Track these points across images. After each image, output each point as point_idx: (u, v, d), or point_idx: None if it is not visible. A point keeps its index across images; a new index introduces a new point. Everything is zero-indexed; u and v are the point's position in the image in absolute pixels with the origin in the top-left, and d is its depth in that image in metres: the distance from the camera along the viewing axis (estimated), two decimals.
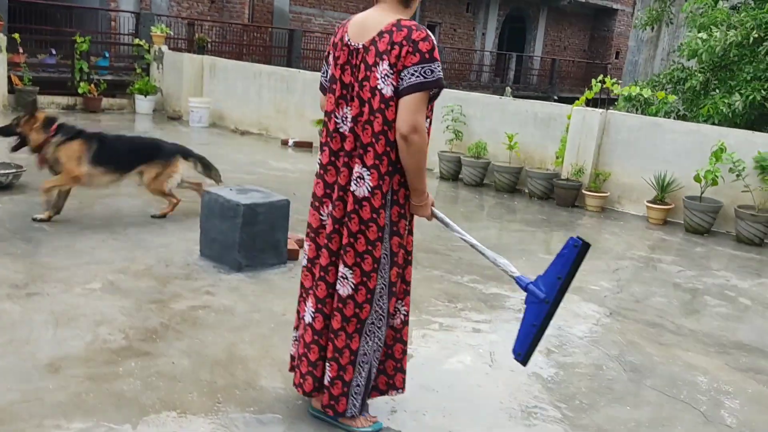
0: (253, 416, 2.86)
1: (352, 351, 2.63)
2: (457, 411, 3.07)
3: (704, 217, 6.86)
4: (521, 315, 4.21)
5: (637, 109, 9.66)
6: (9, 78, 10.76)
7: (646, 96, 8.12)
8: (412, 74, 2.44)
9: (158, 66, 12.46)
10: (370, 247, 2.55)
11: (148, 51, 12.49)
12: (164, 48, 12.50)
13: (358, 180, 2.53)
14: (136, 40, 12.69)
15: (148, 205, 6.05)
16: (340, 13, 20.56)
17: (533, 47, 28.29)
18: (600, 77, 7.95)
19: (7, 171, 6.12)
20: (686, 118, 9.18)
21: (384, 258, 2.59)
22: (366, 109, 2.53)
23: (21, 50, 11.16)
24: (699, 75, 9.32)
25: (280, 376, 3.19)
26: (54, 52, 12.12)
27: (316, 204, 2.70)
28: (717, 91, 9.06)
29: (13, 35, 10.91)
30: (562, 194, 7.64)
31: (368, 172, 2.52)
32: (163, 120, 11.62)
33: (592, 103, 8.28)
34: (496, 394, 3.26)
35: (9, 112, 10.56)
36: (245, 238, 4.51)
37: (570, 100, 9.32)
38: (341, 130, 2.61)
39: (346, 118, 2.59)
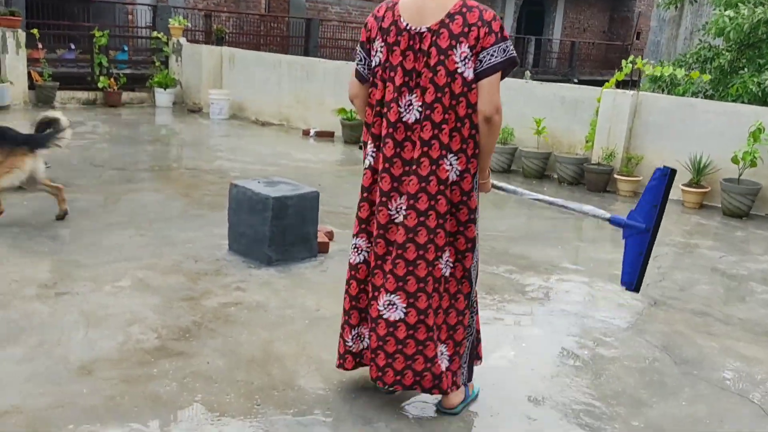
0: (294, 418, 2.74)
1: (464, 326, 2.74)
2: (504, 410, 2.94)
3: (743, 200, 6.63)
4: (564, 306, 4.12)
5: (663, 90, 9.39)
6: (29, 74, 10.73)
7: (679, 76, 7.86)
8: (492, 55, 2.46)
9: (177, 58, 12.38)
10: (461, 228, 2.60)
11: (167, 43, 12.41)
12: (182, 40, 12.41)
13: (444, 166, 2.51)
14: (154, 33, 12.61)
15: (172, 199, 5.97)
16: (356, 0, 20.33)
17: (552, 30, 27.85)
18: (630, 58, 7.72)
19: None
20: (713, 98, 8.91)
21: (477, 238, 2.67)
22: (444, 95, 2.46)
23: (40, 46, 11.14)
24: (726, 53, 9.03)
25: (319, 376, 3.08)
26: (73, 46, 12.09)
27: (383, 199, 2.57)
28: (745, 69, 8.77)
29: (32, 31, 10.87)
30: (593, 179, 7.44)
31: (455, 157, 2.53)
32: (183, 113, 11.55)
33: (616, 85, 8.04)
34: (542, 391, 3.12)
35: (30, 108, 10.55)
36: (275, 231, 4.40)
37: (590, 83, 9.11)
38: (405, 119, 2.50)
39: (411, 105, 2.48)
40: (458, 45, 2.44)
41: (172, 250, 4.63)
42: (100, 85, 11.46)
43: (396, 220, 2.57)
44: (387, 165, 2.53)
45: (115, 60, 12.18)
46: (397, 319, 2.61)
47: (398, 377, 2.68)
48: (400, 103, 2.49)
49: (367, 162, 2.63)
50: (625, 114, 7.40)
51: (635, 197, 7.29)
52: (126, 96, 11.85)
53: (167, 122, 10.71)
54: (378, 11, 2.55)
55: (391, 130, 2.51)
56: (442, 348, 2.70)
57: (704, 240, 5.94)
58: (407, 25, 2.45)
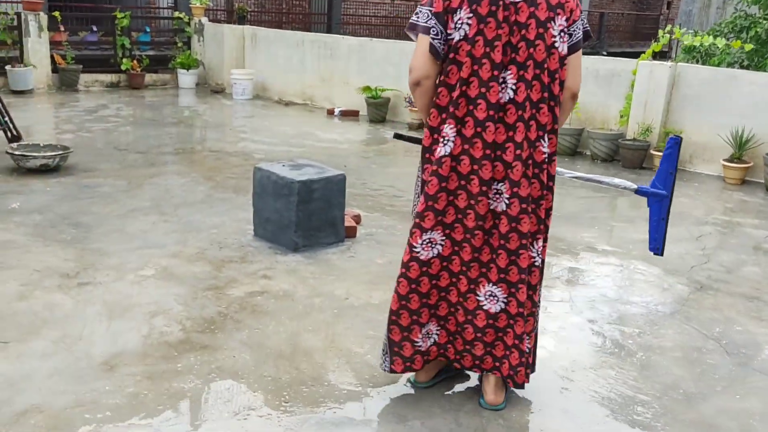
0: (325, 416, 2.61)
1: (536, 318, 2.63)
2: (548, 405, 2.77)
3: None
4: (604, 291, 3.92)
5: (697, 61, 9.02)
6: (52, 57, 10.67)
7: (720, 46, 7.49)
8: (579, 28, 2.32)
9: (199, 39, 12.24)
10: (544, 215, 2.47)
11: (189, 24, 12.27)
12: (204, 20, 12.26)
13: (540, 148, 2.34)
14: (176, 13, 12.47)
15: (196, 183, 5.85)
16: None
17: (580, 1, 27.12)
18: (668, 27, 7.37)
19: (53, 153, 5.96)
20: (749, 68, 8.50)
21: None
22: (543, 72, 2.28)
23: (62, 28, 11.06)
24: (764, 22, 8.61)
25: (350, 370, 2.94)
26: (95, 28, 12.00)
27: (483, 189, 2.32)
28: None
29: (53, 13, 10.79)
30: (628, 156, 7.16)
31: (548, 137, 2.37)
32: (206, 94, 11.43)
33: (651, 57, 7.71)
34: (586, 385, 2.94)
35: (54, 92, 10.52)
36: (301, 216, 4.25)
37: (620, 56, 8.77)
38: (501, 100, 2.28)
39: (505, 83, 2.27)
40: (556, 17, 2.27)
41: (196, 236, 4.51)
42: (123, 67, 11.38)
43: (496, 209, 2.37)
44: (488, 151, 2.29)
45: (138, 42, 12.08)
46: (498, 310, 2.46)
47: (496, 363, 2.58)
48: (499, 81, 2.27)
49: (445, 149, 2.30)
50: (662, 87, 7.09)
51: None
52: (149, 78, 11.75)
53: (190, 104, 10.60)
54: None
55: (492, 112, 2.25)
56: (524, 339, 2.55)
57: (748, 218, 5.67)
58: None
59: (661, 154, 7.04)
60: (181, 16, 12.26)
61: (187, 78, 11.79)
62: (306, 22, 17.14)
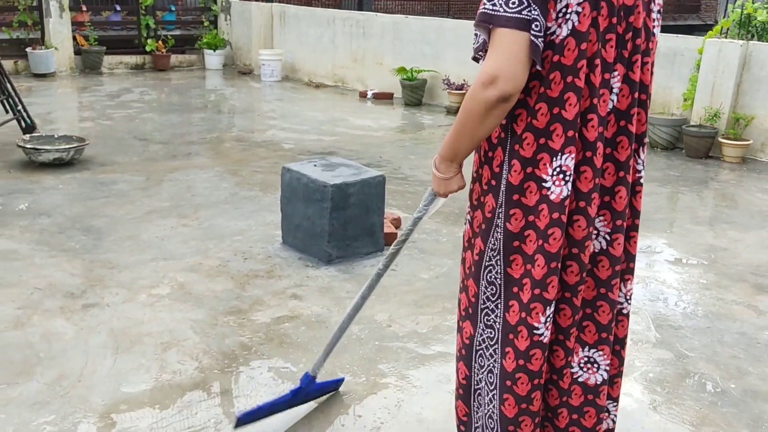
0: None
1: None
2: None
3: None
4: (693, 321, 3.19)
5: (753, 37, 8.23)
6: (74, 38, 10.26)
7: None
8: (660, 11, 1.75)
9: (226, 17, 11.72)
10: (635, 251, 1.92)
11: (215, 2, 11.75)
12: None
13: (635, 165, 1.81)
14: None
15: (220, 178, 5.37)
16: None
17: None
18: (738, 1, 6.64)
19: (68, 146, 5.53)
20: None
21: None
22: (645, 67, 1.72)
23: (84, 8, 10.63)
24: None
25: (397, 428, 2.43)
26: (119, 8, 11.54)
27: (590, 229, 1.71)
28: None
29: None
30: (692, 143, 6.49)
31: (642, 152, 1.82)
32: (233, 75, 10.93)
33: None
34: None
35: (76, 75, 10.13)
36: (335, 225, 3.74)
37: (665, 29, 7.99)
38: (609, 106, 1.69)
39: (611, 86, 1.67)
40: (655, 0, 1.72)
41: (218, 244, 4.03)
42: (147, 48, 10.93)
43: (594, 250, 1.79)
44: (597, 180, 1.69)
45: (163, 21, 11.61)
46: (599, 381, 1.87)
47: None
48: (611, 84, 1.68)
49: (566, 187, 1.64)
50: (732, 67, 6.38)
51: (744, 164, 6.33)
52: (175, 59, 11.29)
53: (217, 86, 10.11)
54: None
55: (601, 128, 1.66)
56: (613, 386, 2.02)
57: None
58: None
59: (730, 142, 6.42)
60: None
61: (213, 59, 11.31)
62: None
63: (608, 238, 1.78)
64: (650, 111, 6.36)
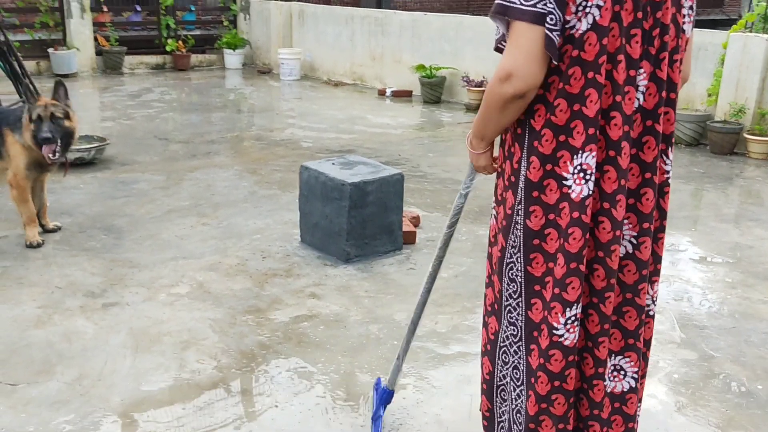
0: None
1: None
2: None
3: None
4: (719, 321, 3.17)
5: None
6: (96, 39, 10.35)
7: None
8: (693, 7, 1.68)
9: (245, 17, 11.76)
10: (662, 252, 1.86)
11: (234, 1, 11.79)
12: None
13: (663, 166, 1.75)
14: None
15: (239, 177, 5.38)
16: None
17: None
18: None
19: (89, 146, 5.57)
20: None
21: None
22: (673, 65, 1.66)
23: (105, 8, 10.72)
24: None
25: (416, 429, 2.41)
26: (139, 8, 11.62)
27: (616, 233, 1.65)
28: None
29: None
30: (717, 140, 6.38)
31: (670, 152, 1.75)
32: (252, 74, 10.96)
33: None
34: None
35: (98, 75, 10.22)
36: (354, 223, 3.72)
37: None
38: (635, 104, 1.63)
39: (636, 84, 1.61)
40: None
41: (237, 243, 4.03)
42: (168, 48, 10.99)
43: (620, 254, 1.73)
44: (622, 181, 1.63)
45: (183, 21, 11.67)
46: (626, 389, 1.81)
47: None
48: (638, 84, 1.62)
49: (587, 186, 1.59)
50: (757, 62, 6.25)
51: None
52: (195, 59, 11.35)
53: (236, 86, 10.15)
54: None
55: (626, 127, 1.61)
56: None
57: None
58: None
59: (756, 138, 6.29)
60: None
61: (233, 58, 11.34)
62: None
63: (634, 241, 1.73)
64: None
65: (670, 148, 1.75)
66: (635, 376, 1.80)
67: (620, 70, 1.56)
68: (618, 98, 1.58)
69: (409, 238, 4.05)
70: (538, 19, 1.49)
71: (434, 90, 8.88)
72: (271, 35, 11.20)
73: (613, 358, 1.78)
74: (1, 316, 3.10)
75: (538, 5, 1.48)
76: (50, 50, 9.80)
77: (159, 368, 2.74)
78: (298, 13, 10.99)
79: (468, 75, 8.49)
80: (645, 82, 1.63)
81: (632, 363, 1.79)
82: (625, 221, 1.70)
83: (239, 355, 2.85)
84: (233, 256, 3.85)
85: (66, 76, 9.76)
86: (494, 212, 1.83)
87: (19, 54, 6.54)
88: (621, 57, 1.56)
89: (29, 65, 8.41)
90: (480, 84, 8.36)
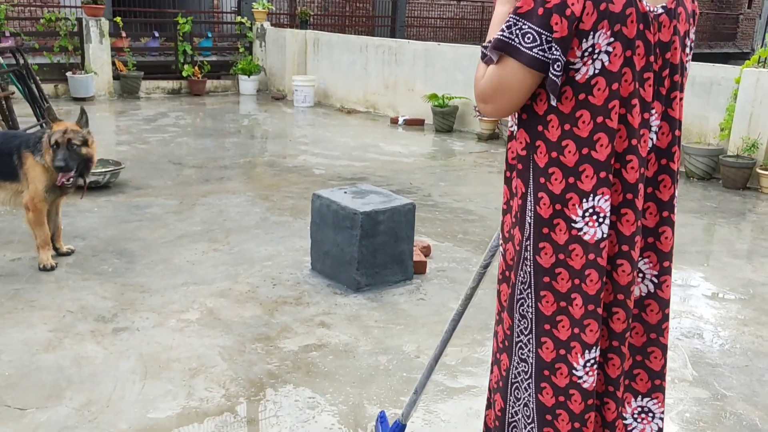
0: None
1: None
2: None
3: None
4: (734, 359, 3.11)
5: None
6: (113, 63, 10.52)
7: None
8: (692, 46, 1.68)
9: (261, 44, 11.93)
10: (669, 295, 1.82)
11: (251, 28, 11.97)
12: (266, 24, 11.94)
13: (674, 203, 1.73)
14: (238, 18, 12.20)
15: (251, 203, 5.42)
16: None
17: None
18: None
19: (105, 169, 5.63)
20: None
21: None
22: (680, 102, 1.66)
23: (124, 34, 10.91)
24: None
25: None
26: (157, 34, 11.83)
27: (634, 274, 1.64)
28: None
29: (115, 19, 10.65)
30: (729, 174, 6.36)
31: (677, 189, 1.73)
32: (267, 101, 11.08)
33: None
34: None
35: (114, 99, 10.36)
36: (364, 252, 3.73)
37: (699, 57, 7.88)
38: (649, 145, 1.64)
39: (650, 125, 1.62)
40: (690, 29, 1.64)
41: (248, 269, 4.05)
42: (184, 73, 11.16)
43: (641, 294, 1.75)
44: (640, 223, 1.64)
45: (200, 47, 11.85)
46: (656, 431, 1.81)
47: None
48: (650, 124, 1.62)
49: (601, 229, 1.58)
50: None
51: None
52: (210, 84, 11.51)
53: (250, 111, 10.26)
54: None
55: (642, 170, 1.61)
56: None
57: None
58: (647, 6, 1.54)
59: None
60: (244, 20, 11.98)
61: (248, 84, 11.49)
62: (369, 25, 16.71)
63: (656, 281, 1.72)
64: (686, 140, 6.28)
65: (675, 185, 1.76)
66: (662, 416, 1.79)
67: (635, 114, 1.57)
68: (633, 141, 1.58)
69: (420, 268, 4.05)
70: (534, 63, 1.49)
71: (446, 119, 8.94)
72: (286, 62, 11.35)
73: (640, 399, 1.76)
74: (12, 339, 3.12)
75: (538, 50, 1.48)
76: (68, 74, 9.97)
77: (167, 395, 2.74)
78: (313, 41, 11.14)
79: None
80: (657, 122, 1.64)
81: (659, 404, 1.77)
82: (645, 260, 1.70)
83: (248, 384, 2.84)
84: (244, 282, 3.86)
85: (83, 99, 9.92)
86: (502, 250, 1.83)
87: (37, 77, 6.68)
88: (635, 101, 1.56)
89: (47, 88, 8.57)
90: None
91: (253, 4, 12.04)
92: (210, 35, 12.38)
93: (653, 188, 1.67)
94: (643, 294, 1.71)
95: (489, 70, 1.57)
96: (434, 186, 6.18)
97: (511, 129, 1.71)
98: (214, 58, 12.03)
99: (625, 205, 1.60)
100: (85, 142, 3.86)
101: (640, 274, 1.71)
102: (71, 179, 3.83)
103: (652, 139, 1.64)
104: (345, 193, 3.97)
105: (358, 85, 10.44)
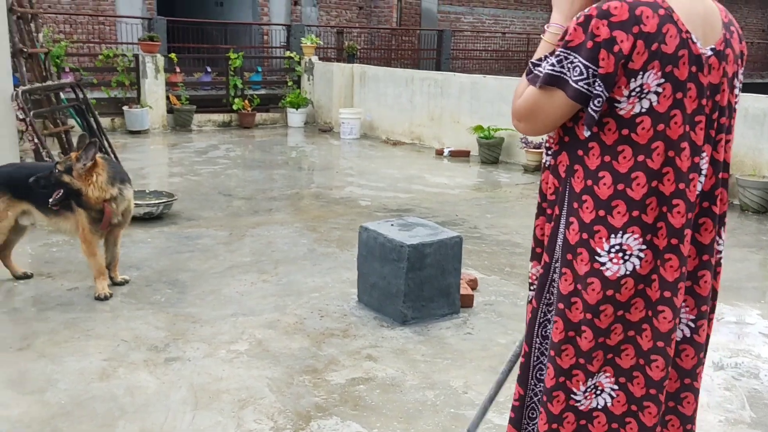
0: None
1: None
2: None
3: None
4: None
5: None
6: (167, 98, 10.87)
7: None
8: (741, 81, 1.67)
9: (309, 77, 12.18)
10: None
11: (299, 63, 12.26)
12: (314, 59, 12.20)
13: (717, 246, 1.71)
14: (287, 53, 12.50)
15: (299, 234, 5.49)
16: (490, 9, 19.52)
17: None
18: None
19: (158, 201, 5.80)
20: None
21: None
22: (728, 144, 1.66)
23: (178, 69, 11.28)
24: None
25: None
26: (209, 69, 12.21)
27: (675, 321, 1.62)
28: None
29: (170, 55, 11.03)
30: None
31: (723, 229, 1.72)
32: (314, 133, 11.28)
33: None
34: None
35: (168, 132, 10.68)
36: (411, 285, 3.74)
37: (750, 87, 7.72)
38: (698, 189, 1.62)
39: (700, 169, 1.60)
40: (738, 70, 1.64)
41: (296, 301, 4.09)
42: (234, 107, 11.46)
43: (676, 339, 1.70)
44: (684, 269, 1.60)
45: (250, 81, 12.17)
46: None
47: None
48: (701, 168, 1.61)
49: (625, 267, 1.57)
50: None
51: None
52: (259, 117, 11.78)
53: (298, 143, 10.45)
54: (640, 20, 1.45)
55: (690, 215, 1.59)
56: None
57: None
58: (697, 42, 1.53)
59: None
60: (293, 55, 12.27)
61: (296, 117, 11.72)
62: (415, 58, 16.90)
63: (692, 325, 1.69)
64: (740, 173, 6.14)
65: (723, 228, 1.72)
66: None
67: (683, 157, 1.54)
68: (681, 186, 1.55)
69: (467, 302, 4.03)
70: (578, 96, 1.50)
71: (492, 150, 8.94)
72: (333, 95, 11.55)
73: None
74: (69, 367, 3.21)
75: (583, 84, 1.49)
76: (125, 108, 10.34)
77: (217, 426, 2.77)
78: (360, 75, 11.32)
79: (526, 136, 8.52)
80: (706, 165, 1.62)
81: None
82: (683, 304, 1.67)
83: (295, 416, 2.86)
84: (292, 314, 3.90)
85: (138, 132, 10.26)
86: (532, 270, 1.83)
87: (95, 111, 6.95)
88: (684, 144, 1.54)
89: (104, 122, 8.90)
90: (539, 146, 8.37)
91: (302, 39, 12.34)
92: (260, 69, 12.72)
93: (693, 231, 1.64)
94: (679, 339, 1.67)
95: (529, 91, 1.59)
96: (480, 218, 6.17)
97: (545, 162, 1.72)
98: (263, 91, 12.34)
99: (669, 250, 1.57)
100: (68, 170, 3.87)
101: (685, 318, 1.68)
102: (54, 200, 3.85)
103: (701, 182, 1.61)
104: (392, 225, 4.00)
105: (404, 117, 10.55)
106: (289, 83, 12.29)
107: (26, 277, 4.31)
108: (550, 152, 1.69)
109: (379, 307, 3.91)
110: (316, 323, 3.79)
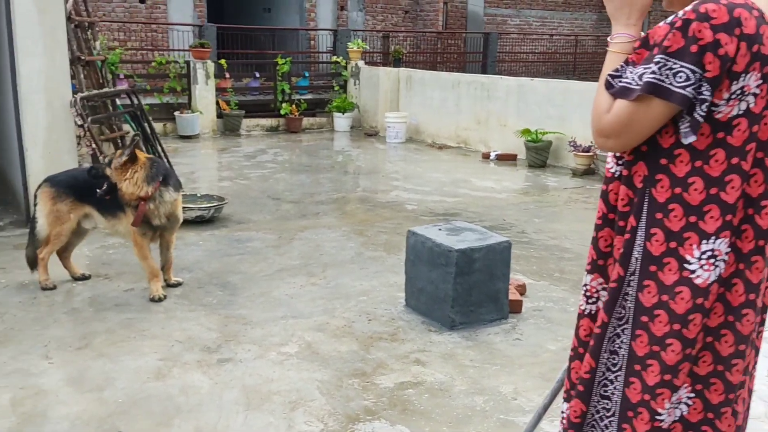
0: None
1: None
2: None
3: None
4: None
5: None
6: (217, 103, 11.09)
7: None
8: None
9: (355, 82, 12.26)
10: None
11: (345, 67, 12.35)
12: (360, 63, 12.28)
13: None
14: (334, 58, 12.62)
15: (346, 238, 5.53)
16: (537, 11, 19.34)
17: None
18: None
19: (209, 204, 5.93)
20: None
21: None
22: None
23: (227, 75, 11.50)
24: None
25: None
26: (258, 75, 12.41)
27: (750, 297, 1.60)
28: None
29: (220, 61, 11.25)
30: None
31: None
32: (360, 137, 11.35)
33: None
34: None
35: (217, 137, 10.89)
36: (459, 290, 3.73)
37: None
38: None
39: None
40: None
41: (344, 304, 4.13)
42: (282, 111, 11.61)
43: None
44: (767, 271, 1.59)
45: (297, 86, 12.32)
46: None
47: None
48: None
49: (714, 273, 1.54)
50: None
51: None
52: (306, 122, 11.91)
53: (344, 148, 10.53)
54: (740, 21, 1.43)
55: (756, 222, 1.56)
56: None
57: None
58: None
59: None
60: (339, 60, 12.37)
61: (342, 121, 11.81)
62: (461, 61, 16.85)
63: (756, 331, 1.65)
64: None
65: None
66: None
67: (760, 175, 1.52)
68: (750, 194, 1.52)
69: (515, 307, 4.01)
70: (684, 102, 1.46)
71: (540, 154, 8.84)
72: (378, 99, 11.60)
73: None
74: (126, 366, 3.31)
75: (690, 89, 1.44)
76: (176, 113, 10.58)
77: (269, 427, 2.82)
78: (406, 79, 11.34)
79: (575, 140, 8.40)
80: None
81: None
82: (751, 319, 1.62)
83: (345, 419, 2.88)
84: (340, 317, 3.94)
85: (189, 137, 10.49)
86: (587, 285, 1.78)
87: (149, 117, 7.15)
88: (760, 155, 1.51)
89: (157, 127, 9.12)
90: (587, 149, 8.25)
91: (348, 44, 12.43)
92: (307, 75, 12.86)
93: (764, 240, 1.60)
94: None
95: (619, 105, 1.54)
96: (528, 222, 6.11)
97: (612, 171, 1.68)
98: (310, 96, 12.47)
99: (755, 252, 1.54)
100: (110, 163, 4.06)
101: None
102: (101, 192, 4.02)
103: None
104: (440, 230, 4.00)
105: (450, 120, 10.52)
106: (336, 88, 12.40)
107: (84, 278, 4.45)
108: (621, 162, 1.64)
109: (427, 312, 3.91)
110: (365, 327, 3.81)
